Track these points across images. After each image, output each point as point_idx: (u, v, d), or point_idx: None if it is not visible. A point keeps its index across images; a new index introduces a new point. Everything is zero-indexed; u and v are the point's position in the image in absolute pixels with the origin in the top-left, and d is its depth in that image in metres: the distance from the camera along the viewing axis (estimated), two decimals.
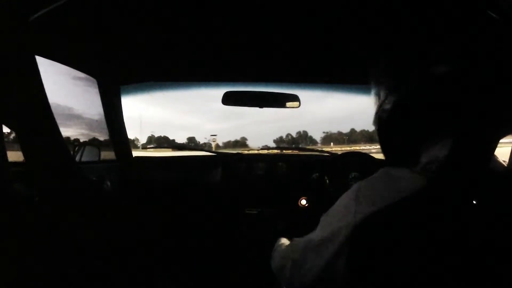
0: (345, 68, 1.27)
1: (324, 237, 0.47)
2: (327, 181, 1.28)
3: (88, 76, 1.26)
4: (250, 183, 1.45)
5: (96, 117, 1.44)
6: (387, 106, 0.54)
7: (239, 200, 1.43)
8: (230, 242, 1.41)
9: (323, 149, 2.27)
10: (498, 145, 0.41)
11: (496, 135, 0.40)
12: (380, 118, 0.52)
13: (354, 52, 1.06)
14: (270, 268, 0.62)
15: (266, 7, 0.78)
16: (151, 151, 1.90)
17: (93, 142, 1.58)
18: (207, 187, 1.46)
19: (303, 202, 1.36)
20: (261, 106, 1.45)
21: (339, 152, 1.43)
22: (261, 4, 0.77)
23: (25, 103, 0.46)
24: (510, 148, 0.46)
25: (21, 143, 0.46)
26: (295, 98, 1.42)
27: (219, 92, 1.42)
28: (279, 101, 1.43)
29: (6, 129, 0.45)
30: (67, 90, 1.31)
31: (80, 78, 1.27)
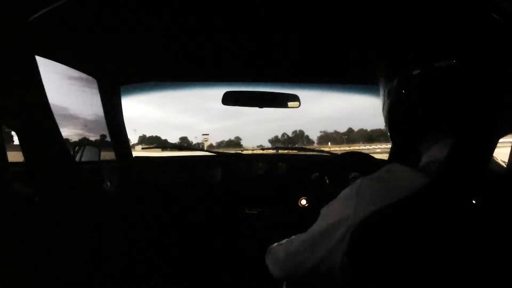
0: (343, 68, 1.27)
1: (322, 231, 0.48)
2: (327, 181, 1.28)
3: (88, 76, 1.26)
4: (250, 183, 1.45)
5: (96, 117, 1.44)
6: (388, 106, 0.54)
7: (239, 200, 1.43)
8: (230, 242, 1.41)
9: (321, 149, 2.27)
10: (498, 145, 0.41)
11: (496, 135, 0.40)
12: (386, 117, 0.53)
13: (354, 52, 1.06)
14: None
15: (266, 7, 0.78)
16: (151, 151, 1.90)
17: (93, 142, 1.58)
18: (207, 187, 1.46)
19: (303, 202, 1.36)
20: (261, 106, 1.45)
21: (338, 152, 1.43)
22: (260, 4, 0.77)
23: (25, 103, 0.46)
24: (510, 148, 0.46)
25: (21, 143, 0.46)
26: (295, 98, 1.42)
27: (215, 92, 1.43)
28: (279, 101, 1.43)
29: (6, 129, 0.45)
30: (67, 90, 1.31)
31: (80, 78, 1.27)
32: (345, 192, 0.48)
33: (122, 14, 0.81)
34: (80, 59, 1.11)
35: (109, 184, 1.22)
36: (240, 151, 1.85)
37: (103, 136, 1.51)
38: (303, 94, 1.43)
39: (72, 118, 1.53)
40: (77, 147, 1.38)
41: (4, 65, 0.44)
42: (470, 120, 0.40)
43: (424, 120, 0.49)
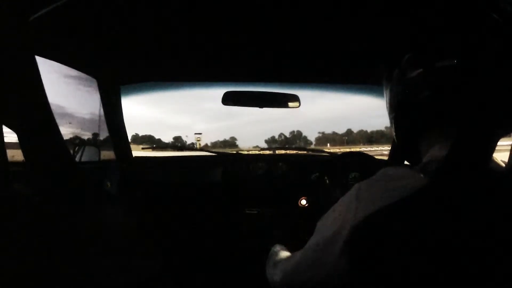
0: (343, 68, 1.27)
1: (322, 240, 0.46)
2: (327, 181, 1.28)
3: (88, 76, 1.26)
4: (250, 183, 1.45)
5: (96, 117, 1.44)
6: (389, 106, 0.54)
7: (239, 200, 1.43)
8: (230, 242, 1.41)
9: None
10: (498, 145, 0.41)
11: (496, 135, 0.40)
12: (389, 117, 0.53)
13: (353, 52, 1.06)
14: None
15: (265, 7, 0.78)
16: (150, 151, 1.90)
17: (93, 142, 1.58)
18: (207, 187, 1.46)
19: (303, 202, 1.36)
20: (261, 106, 1.45)
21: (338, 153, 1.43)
22: (260, 4, 0.77)
23: (25, 103, 0.46)
24: (510, 148, 0.46)
25: (21, 143, 0.46)
26: (295, 98, 1.42)
27: (215, 91, 1.43)
28: (279, 101, 1.43)
29: (6, 129, 0.45)
30: (67, 90, 1.32)
31: (80, 78, 1.27)
32: (344, 199, 0.47)
33: (122, 14, 0.81)
34: (80, 59, 1.11)
35: (109, 184, 1.22)
36: (245, 151, 1.85)
37: (103, 136, 1.51)
38: (301, 94, 1.43)
39: (72, 118, 1.53)
40: (77, 147, 1.38)
41: (4, 65, 0.44)
42: (470, 120, 0.40)
43: (425, 121, 0.49)
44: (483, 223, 0.39)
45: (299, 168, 1.46)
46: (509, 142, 0.47)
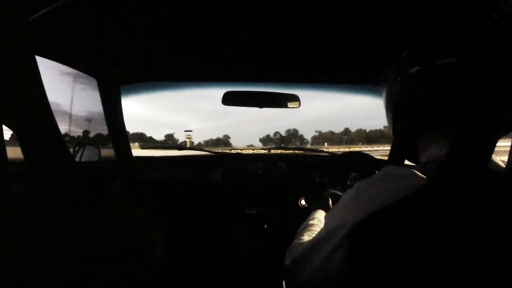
0: (341, 68, 1.27)
1: (322, 236, 0.48)
2: (327, 181, 1.28)
3: (88, 76, 1.26)
4: (250, 183, 1.45)
5: (96, 117, 1.44)
6: (387, 105, 0.54)
7: (239, 200, 1.43)
8: (230, 242, 1.41)
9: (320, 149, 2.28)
10: (498, 145, 0.41)
11: (496, 135, 0.40)
12: (387, 116, 0.53)
13: (352, 52, 1.06)
14: (270, 268, 0.63)
15: (265, 7, 0.78)
16: (150, 151, 1.90)
17: (93, 142, 1.58)
18: (207, 187, 1.46)
19: (303, 202, 1.36)
20: (261, 106, 1.45)
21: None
22: (259, 4, 0.77)
23: (25, 103, 0.46)
24: (509, 148, 0.46)
25: (21, 143, 0.45)
26: (294, 98, 1.42)
27: (214, 92, 1.43)
28: (279, 101, 1.43)
29: (6, 129, 0.45)
30: (67, 90, 1.32)
31: (80, 78, 1.27)
32: (344, 197, 0.49)
33: (122, 14, 0.81)
34: (80, 59, 1.11)
35: (109, 184, 1.22)
36: (244, 151, 1.85)
37: (103, 136, 1.51)
38: (299, 93, 1.43)
39: (72, 118, 1.53)
40: (77, 147, 1.38)
41: (4, 65, 0.44)
42: (470, 120, 0.40)
43: (424, 120, 0.49)
44: (483, 223, 0.39)
45: (299, 168, 1.46)
46: (509, 142, 0.47)
